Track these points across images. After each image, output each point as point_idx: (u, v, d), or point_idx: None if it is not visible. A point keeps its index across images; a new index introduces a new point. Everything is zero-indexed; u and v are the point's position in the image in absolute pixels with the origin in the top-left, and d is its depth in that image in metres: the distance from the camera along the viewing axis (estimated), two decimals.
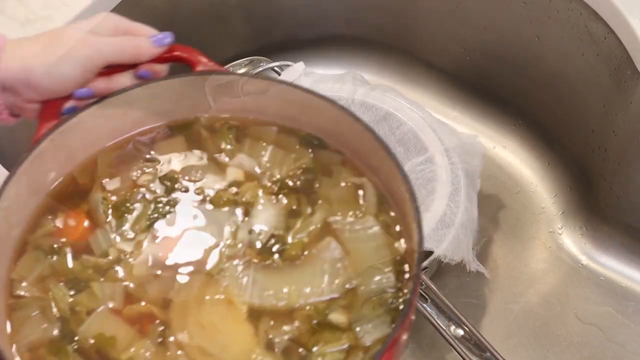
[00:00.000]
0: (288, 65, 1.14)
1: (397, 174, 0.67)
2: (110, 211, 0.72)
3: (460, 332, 0.94)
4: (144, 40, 0.73)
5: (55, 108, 0.72)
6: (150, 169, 0.74)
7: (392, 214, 0.71)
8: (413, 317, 0.65)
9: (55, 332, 0.66)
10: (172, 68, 0.76)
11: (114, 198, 0.73)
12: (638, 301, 1.14)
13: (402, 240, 0.69)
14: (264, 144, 0.76)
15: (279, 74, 1.14)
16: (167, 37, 0.73)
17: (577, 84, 1.14)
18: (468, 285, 1.13)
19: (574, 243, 1.18)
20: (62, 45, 0.70)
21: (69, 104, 0.73)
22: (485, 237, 1.17)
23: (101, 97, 0.73)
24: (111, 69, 0.73)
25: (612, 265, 1.16)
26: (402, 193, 0.67)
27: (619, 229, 1.16)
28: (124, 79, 0.74)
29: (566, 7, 1.09)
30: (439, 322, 0.95)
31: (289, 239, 0.70)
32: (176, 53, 0.75)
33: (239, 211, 0.72)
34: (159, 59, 0.74)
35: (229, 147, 0.76)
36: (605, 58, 1.07)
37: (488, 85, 1.25)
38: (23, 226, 0.71)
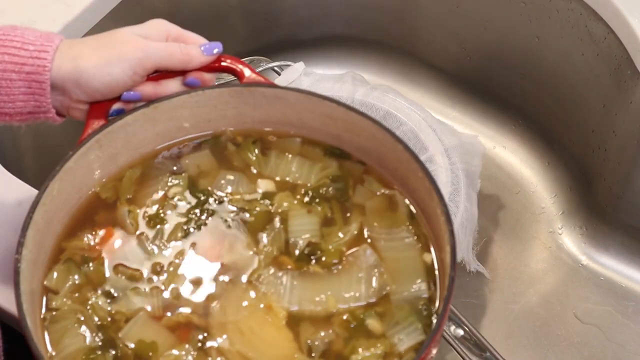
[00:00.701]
0: (288, 65, 1.13)
1: (435, 196, 0.68)
2: (141, 223, 0.72)
3: (460, 332, 0.94)
4: (194, 48, 0.73)
5: (102, 109, 0.73)
6: (179, 181, 0.75)
7: (424, 226, 0.72)
8: (442, 334, 0.66)
9: (96, 340, 0.66)
10: None
11: (144, 211, 0.73)
12: (638, 301, 1.13)
13: (433, 252, 0.70)
14: (290, 155, 0.76)
15: (279, 74, 1.14)
16: (217, 47, 0.74)
17: (577, 84, 1.14)
18: (468, 285, 1.13)
19: (574, 243, 1.18)
20: (114, 47, 0.71)
21: (116, 106, 0.73)
22: (485, 237, 1.17)
23: (148, 102, 0.73)
24: (160, 75, 0.74)
25: (612, 265, 1.16)
26: (438, 215, 0.68)
27: (619, 229, 1.16)
28: (172, 85, 0.74)
29: (566, 7, 1.09)
30: None
31: (326, 247, 0.71)
32: (224, 63, 0.75)
33: (274, 220, 0.73)
34: (206, 68, 0.75)
35: (255, 159, 0.76)
36: (605, 58, 1.07)
37: (488, 85, 1.25)
38: (59, 232, 0.71)
